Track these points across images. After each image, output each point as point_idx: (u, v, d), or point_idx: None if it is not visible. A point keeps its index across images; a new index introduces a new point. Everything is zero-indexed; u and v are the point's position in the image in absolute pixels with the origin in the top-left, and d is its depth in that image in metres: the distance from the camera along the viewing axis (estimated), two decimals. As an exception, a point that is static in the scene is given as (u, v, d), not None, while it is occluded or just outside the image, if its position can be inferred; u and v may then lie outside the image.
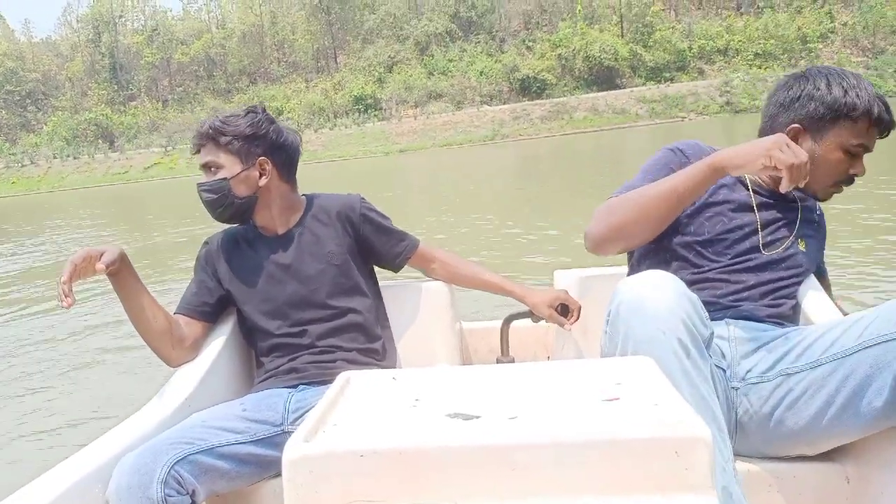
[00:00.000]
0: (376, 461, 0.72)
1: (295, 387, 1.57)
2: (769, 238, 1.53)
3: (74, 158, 47.99)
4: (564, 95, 40.78)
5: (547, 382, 0.92)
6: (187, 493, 1.22)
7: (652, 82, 38.77)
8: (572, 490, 0.70)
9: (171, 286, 6.04)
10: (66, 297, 1.37)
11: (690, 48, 42.13)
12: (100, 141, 52.31)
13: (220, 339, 1.67)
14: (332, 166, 31.76)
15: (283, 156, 1.69)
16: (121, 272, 1.52)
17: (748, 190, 1.56)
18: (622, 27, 44.58)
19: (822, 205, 1.63)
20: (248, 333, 1.71)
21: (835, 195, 1.54)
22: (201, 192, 1.64)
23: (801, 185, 1.31)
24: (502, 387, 0.91)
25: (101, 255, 1.45)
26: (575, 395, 0.85)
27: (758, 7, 44.93)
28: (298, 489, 0.72)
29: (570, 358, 1.80)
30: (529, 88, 42.89)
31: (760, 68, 39.35)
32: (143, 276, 1.59)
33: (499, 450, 0.71)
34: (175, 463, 1.21)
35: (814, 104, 1.47)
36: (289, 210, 1.72)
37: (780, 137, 1.31)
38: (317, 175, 24.56)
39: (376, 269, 1.81)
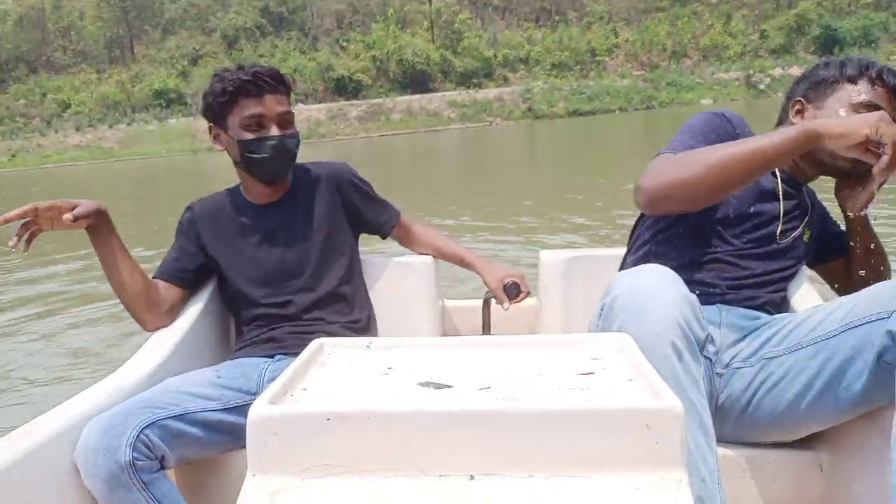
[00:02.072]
0: (343, 425, 0.69)
1: (272, 356, 1.53)
2: (786, 227, 1.50)
3: None
4: (380, 97, 41.22)
5: (523, 356, 0.91)
6: (156, 458, 1.19)
7: (462, 87, 40.48)
8: (542, 461, 0.69)
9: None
10: (15, 237, 1.35)
11: (496, 56, 44.61)
12: None
13: (199, 306, 1.64)
14: (131, 165, 29.31)
15: None
16: (99, 228, 1.48)
17: (776, 177, 1.51)
18: (433, 33, 46.02)
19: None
20: (231, 301, 1.68)
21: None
22: (285, 141, 1.54)
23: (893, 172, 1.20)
24: (477, 358, 0.91)
25: (74, 207, 1.39)
26: (550, 369, 0.85)
27: (554, 21, 48.69)
28: (262, 452, 0.70)
29: None
30: (345, 88, 42.79)
31: (557, 77, 42.68)
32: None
33: (467, 417, 0.69)
34: (145, 427, 1.18)
35: (815, 77, 1.49)
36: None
37: (883, 114, 1.22)
38: (111, 175, 22.60)
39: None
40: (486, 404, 0.72)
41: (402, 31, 45.11)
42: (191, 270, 1.63)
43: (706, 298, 1.38)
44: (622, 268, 1.59)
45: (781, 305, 1.51)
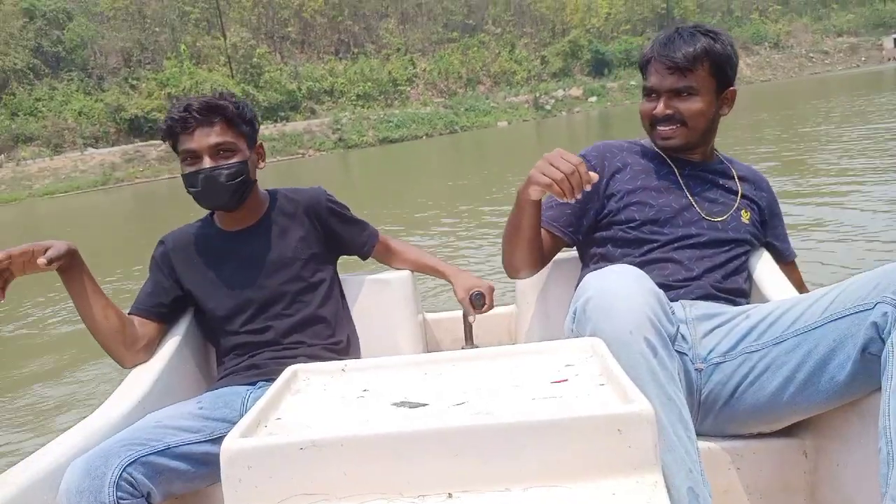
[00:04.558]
0: (317, 454, 0.69)
1: (254, 383, 1.52)
2: (709, 209, 1.52)
3: None
4: (181, 135, 39.28)
5: (498, 367, 0.91)
6: (142, 496, 1.17)
7: (269, 121, 39.92)
8: (519, 474, 0.69)
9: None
10: None
11: (300, 89, 44.55)
12: None
13: (177, 339, 1.61)
14: None
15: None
16: (71, 269, 1.44)
17: (672, 167, 1.54)
18: (231, 68, 44.93)
19: (769, 179, 1.61)
20: (209, 332, 1.66)
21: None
22: (220, 173, 1.50)
23: (579, 196, 1.27)
24: (453, 374, 0.90)
25: (46, 249, 1.36)
26: (524, 379, 0.86)
27: (353, 53, 49.75)
28: (237, 486, 0.70)
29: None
30: (141, 129, 40.22)
31: (363, 107, 43.65)
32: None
33: (442, 435, 0.69)
34: (128, 465, 1.16)
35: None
36: (258, 202, 1.66)
37: (547, 156, 1.29)
38: None
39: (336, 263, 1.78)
40: (461, 421, 0.72)
41: (198, 68, 43.52)
42: (166, 304, 1.61)
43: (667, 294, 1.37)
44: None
45: (747, 293, 1.51)
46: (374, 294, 1.85)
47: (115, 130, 40.69)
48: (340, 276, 1.80)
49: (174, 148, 1.55)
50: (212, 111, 1.50)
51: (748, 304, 1.47)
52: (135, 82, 43.51)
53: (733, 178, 1.57)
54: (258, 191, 1.66)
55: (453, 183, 12.45)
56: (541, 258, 1.56)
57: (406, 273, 1.86)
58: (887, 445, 0.97)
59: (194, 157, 1.50)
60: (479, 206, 8.63)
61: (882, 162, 7.40)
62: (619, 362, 1.00)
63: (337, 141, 39.01)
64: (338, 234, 1.73)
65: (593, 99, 45.97)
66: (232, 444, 0.70)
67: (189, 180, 1.52)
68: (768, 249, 1.63)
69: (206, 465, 1.29)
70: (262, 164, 1.63)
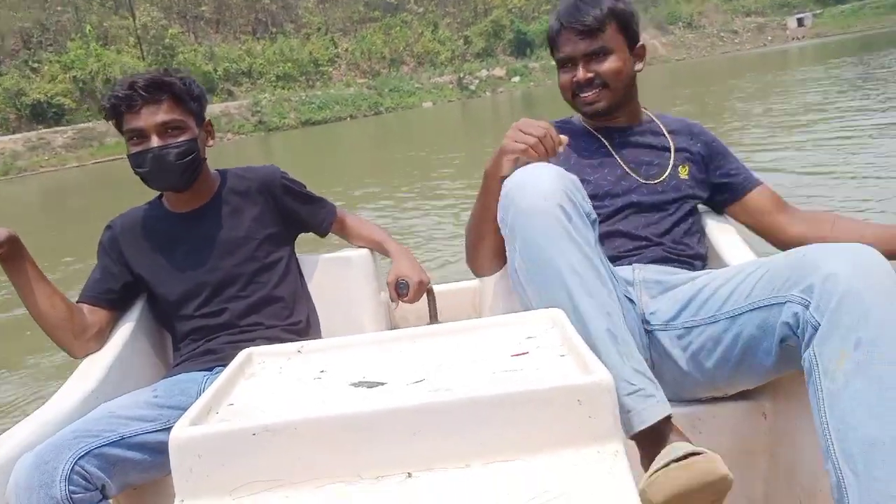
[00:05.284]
0: (270, 438, 0.67)
1: (211, 369, 1.48)
2: (645, 172, 1.52)
3: None
4: (89, 121, 37.31)
5: (459, 343, 0.90)
6: (96, 489, 1.14)
7: (184, 104, 38.31)
8: (478, 449, 0.68)
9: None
10: None
11: (216, 70, 42.96)
12: None
13: (129, 326, 1.56)
14: None
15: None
16: (13, 257, 1.40)
17: (601, 139, 1.55)
18: (142, 49, 42.85)
19: (705, 122, 1.61)
20: (163, 318, 1.62)
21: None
22: (169, 152, 1.45)
23: (554, 157, 1.29)
24: (412, 351, 0.89)
25: None
26: (485, 353, 0.85)
27: (272, 33, 48.31)
28: (188, 476, 0.68)
29: None
30: (45, 115, 37.96)
31: (284, 89, 42.50)
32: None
33: (399, 414, 0.68)
34: (79, 458, 1.13)
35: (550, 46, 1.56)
36: (208, 182, 1.61)
37: (516, 124, 1.31)
38: None
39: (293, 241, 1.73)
40: (418, 398, 0.70)
41: (106, 49, 41.29)
42: (116, 291, 1.57)
43: (617, 263, 1.40)
44: None
45: (704, 256, 1.51)
46: (333, 273, 1.81)
47: (16, 117, 38.23)
48: (298, 255, 1.76)
49: (118, 127, 1.50)
50: (158, 88, 1.46)
51: (705, 268, 1.47)
52: (36, 65, 40.94)
53: (663, 134, 1.58)
54: (208, 170, 1.62)
55: (390, 156, 12.25)
56: (503, 254, 1.51)
57: (366, 251, 1.83)
58: (836, 472, 0.94)
59: (141, 136, 1.46)
60: (419, 182, 8.54)
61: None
62: (535, 234, 1.09)
63: (257, 124, 37.88)
64: (295, 212, 1.70)
65: (516, 79, 46.29)
66: (181, 433, 0.68)
67: (136, 160, 1.47)
68: (722, 192, 1.60)
69: (162, 455, 1.24)
70: (211, 143, 1.59)
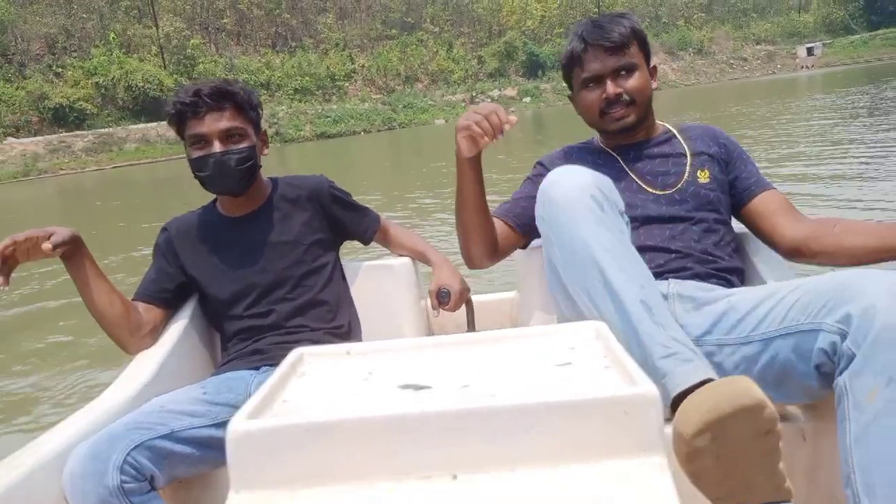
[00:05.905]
0: (323, 435, 0.69)
1: (258, 368, 1.53)
2: (662, 182, 1.51)
3: None
4: (109, 126, 38.11)
5: (502, 351, 0.91)
6: (145, 480, 1.18)
7: (203, 113, 38.92)
8: (524, 455, 0.69)
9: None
10: (1, 276, 1.27)
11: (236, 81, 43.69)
12: None
13: (181, 324, 1.63)
14: None
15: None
16: (75, 255, 1.44)
17: (615, 156, 1.56)
18: (163, 58, 43.76)
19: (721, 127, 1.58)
20: (213, 318, 1.69)
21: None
22: (231, 158, 1.53)
23: (500, 136, 1.32)
24: (456, 357, 0.90)
25: (50, 235, 1.37)
26: (528, 362, 0.85)
27: (291, 47, 49.22)
28: (244, 468, 0.70)
29: None
30: (66, 119, 38.75)
31: (301, 102, 43.27)
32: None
33: (447, 417, 0.69)
34: (132, 449, 1.17)
35: (564, 66, 1.58)
36: (261, 188, 1.69)
37: (473, 107, 1.36)
38: None
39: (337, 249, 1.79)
40: (465, 402, 0.71)
41: (129, 57, 42.20)
42: (170, 290, 1.63)
43: (655, 276, 1.32)
44: None
45: (745, 274, 1.47)
46: (376, 280, 1.87)
47: (38, 120, 39.03)
48: (342, 261, 1.81)
49: (179, 133, 1.57)
50: (222, 96, 1.53)
51: (744, 284, 1.45)
52: (60, 70, 41.84)
53: (679, 140, 1.57)
54: (261, 177, 1.68)
55: (403, 172, 12.60)
56: (494, 245, 1.56)
57: (408, 260, 1.88)
58: (854, 500, 0.96)
59: (204, 141, 1.52)
60: (424, 196, 8.89)
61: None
62: (568, 220, 1.16)
63: (273, 135, 38.49)
64: (341, 220, 1.76)
65: (527, 99, 47.01)
66: (239, 426, 0.70)
67: (198, 164, 1.53)
68: (732, 194, 1.56)
69: (209, 449, 1.30)
70: (265, 151, 1.67)
